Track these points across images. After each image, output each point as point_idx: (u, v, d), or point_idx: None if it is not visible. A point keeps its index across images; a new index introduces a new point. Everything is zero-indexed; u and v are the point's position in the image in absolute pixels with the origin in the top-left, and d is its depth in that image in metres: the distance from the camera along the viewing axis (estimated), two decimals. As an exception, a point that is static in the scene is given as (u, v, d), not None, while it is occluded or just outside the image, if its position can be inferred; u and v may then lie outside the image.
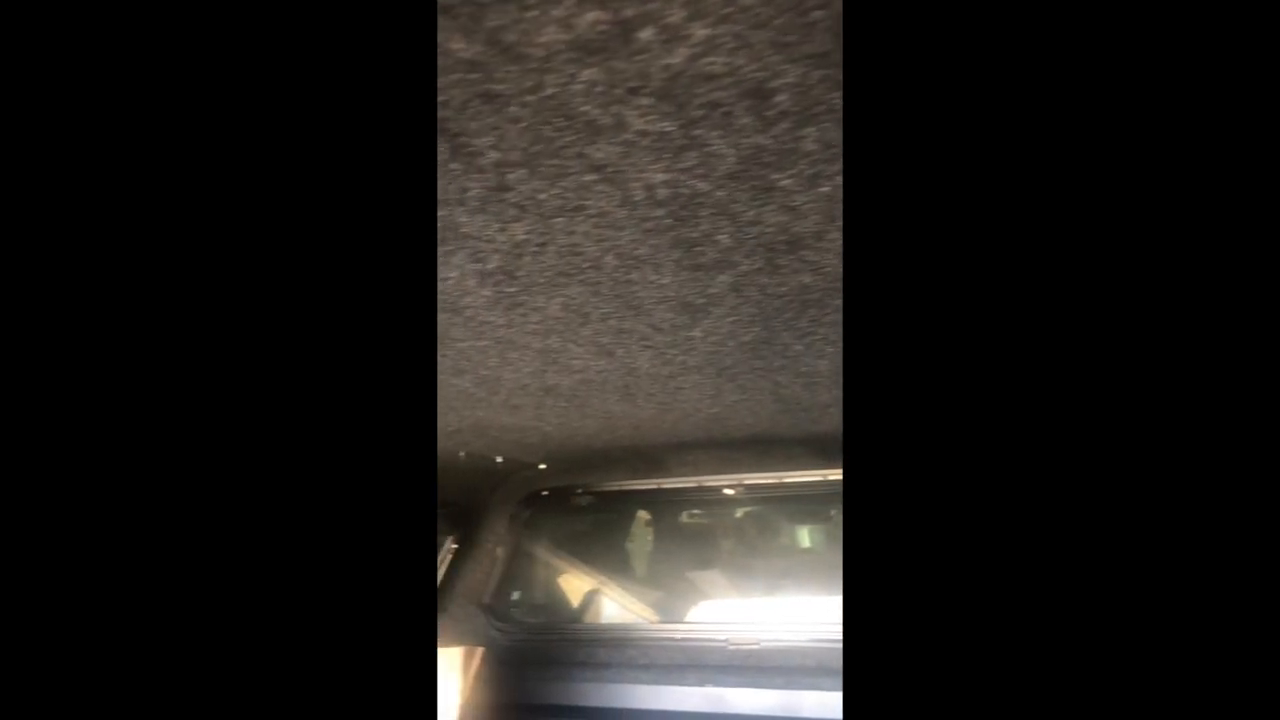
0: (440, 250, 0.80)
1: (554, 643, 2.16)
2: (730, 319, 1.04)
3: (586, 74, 0.51)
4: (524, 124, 0.57)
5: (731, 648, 1.97)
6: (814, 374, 1.32)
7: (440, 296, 0.93)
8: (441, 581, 2.25)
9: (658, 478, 2.21)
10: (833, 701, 1.83)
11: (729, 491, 2.22)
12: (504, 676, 2.12)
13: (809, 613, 2.13)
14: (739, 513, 2.46)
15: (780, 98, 0.54)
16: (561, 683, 2.07)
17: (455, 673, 1.99)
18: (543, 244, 0.79)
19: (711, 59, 0.50)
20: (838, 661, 1.85)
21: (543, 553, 2.45)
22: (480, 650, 2.10)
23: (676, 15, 0.45)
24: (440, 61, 0.50)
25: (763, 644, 1.94)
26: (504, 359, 1.21)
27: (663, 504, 2.47)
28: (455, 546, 2.31)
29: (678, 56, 0.49)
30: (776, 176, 0.65)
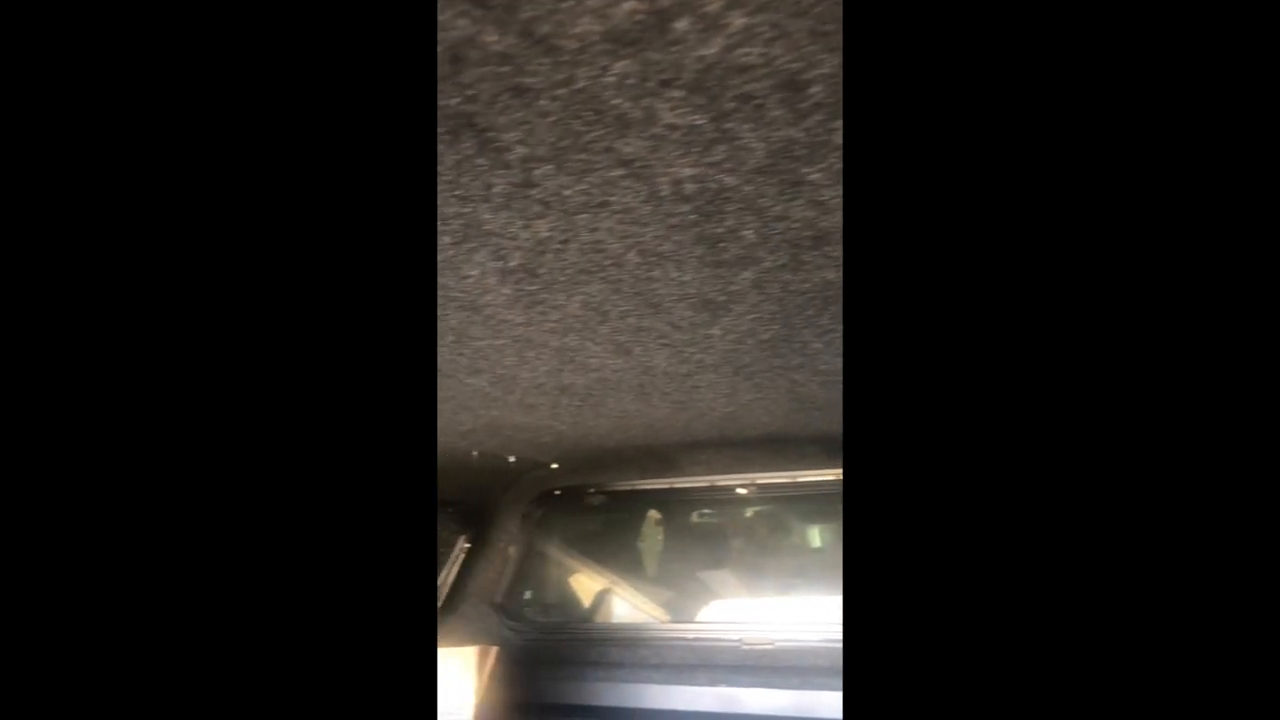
0: (462, 248, 0.79)
1: (566, 642, 2.16)
2: (750, 316, 1.03)
3: (619, 66, 0.50)
4: (553, 118, 0.56)
5: (744, 648, 1.96)
6: (832, 372, 1.31)
7: (460, 295, 0.93)
8: (454, 581, 2.25)
9: (670, 477, 2.20)
10: None
11: (741, 491, 2.21)
12: (517, 676, 2.11)
13: (822, 613, 2.12)
14: (751, 512, 2.45)
15: (814, 89, 0.53)
16: (574, 682, 2.07)
17: (470, 672, 1.99)
18: (565, 241, 0.78)
19: (747, 49, 0.49)
20: None
21: (555, 552, 2.45)
22: (495, 650, 2.10)
23: (715, 4, 0.45)
24: (471, 55, 0.49)
25: (776, 644, 1.94)
26: (521, 358, 1.20)
27: (675, 503, 2.46)
28: (468, 546, 2.31)
29: (713, 47, 0.49)
30: (806, 170, 0.65)
